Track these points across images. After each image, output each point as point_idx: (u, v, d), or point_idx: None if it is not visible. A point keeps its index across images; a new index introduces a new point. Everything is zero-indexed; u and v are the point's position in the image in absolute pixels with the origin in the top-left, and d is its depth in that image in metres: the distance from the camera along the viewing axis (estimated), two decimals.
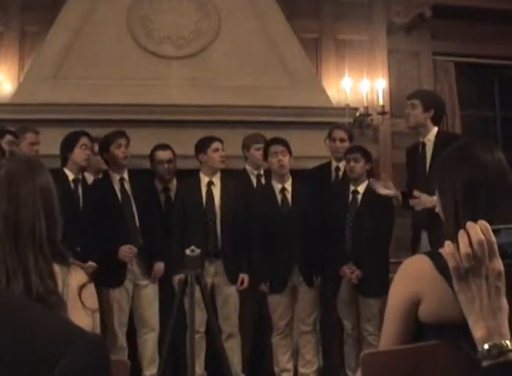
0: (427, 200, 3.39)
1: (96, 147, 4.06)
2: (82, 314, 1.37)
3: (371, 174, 4.02)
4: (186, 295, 2.91)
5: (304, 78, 5.14)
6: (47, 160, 2.15)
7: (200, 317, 3.51)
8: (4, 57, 5.22)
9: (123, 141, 3.98)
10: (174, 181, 4.35)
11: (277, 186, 4.03)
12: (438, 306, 1.34)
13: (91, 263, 3.59)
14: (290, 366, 4.00)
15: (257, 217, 3.99)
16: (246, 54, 5.11)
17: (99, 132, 4.13)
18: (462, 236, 0.96)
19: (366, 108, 5.37)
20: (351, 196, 3.98)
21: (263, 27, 5.19)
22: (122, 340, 3.85)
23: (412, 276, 1.41)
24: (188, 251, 2.81)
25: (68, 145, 3.85)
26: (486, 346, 0.94)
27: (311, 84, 5.18)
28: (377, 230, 3.85)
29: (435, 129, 3.72)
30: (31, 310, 0.68)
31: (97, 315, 1.45)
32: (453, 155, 1.48)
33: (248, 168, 4.40)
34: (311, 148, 4.66)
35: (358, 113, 5.34)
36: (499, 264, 0.96)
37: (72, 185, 3.83)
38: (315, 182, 4.25)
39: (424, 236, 3.61)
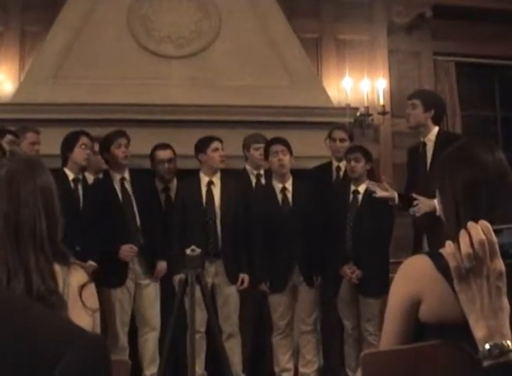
0: (427, 205, 3.38)
1: (96, 147, 4.06)
2: (83, 314, 1.37)
3: (372, 174, 4.02)
4: (187, 295, 2.91)
5: (305, 78, 5.14)
6: (47, 160, 2.15)
7: (201, 317, 3.51)
8: (4, 57, 5.22)
9: (123, 141, 3.98)
10: (175, 181, 4.35)
11: (278, 186, 4.03)
12: (438, 306, 1.34)
13: (91, 263, 3.59)
14: (290, 366, 4.00)
15: (257, 217, 3.99)
16: (246, 54, 5.11)
17: (99, 132, 4.13)
18: (463, 236, 0.96)
19: (367, 108, 5.37)
20: (351, 196, 3.98)
21: (263, 27, 5.19)
22: (124, 340, 3.85)
23: (413, 276, 1.41)
24: (188, 251, 2.81)
25: (68, 145, 3.85)
26: (487, 346, 0.94)
27: (311, 84, 5.18)
28: (378, 230, 3.85)
29: (436, 129, 3.72)
30: (32, 310, 0.68)
31: (97, 315, 1.45)
32: (454, 155, 1.48)
33: (248, 167, 4.40)
34: (311, 148, 4.66)
35: (358, 113, 5.34)
36: (500, 264, 0.96)
37: (72, 184, 3.83)
38: (316, 181, 4.25)
39: (425, 238, 3.61)
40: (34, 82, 4.83)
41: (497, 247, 0.96)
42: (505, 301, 0.96)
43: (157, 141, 4.38)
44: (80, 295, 1.38)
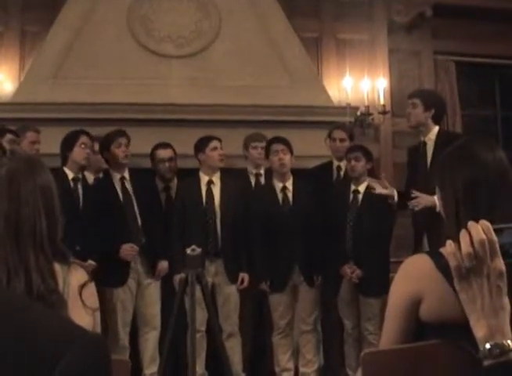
0: (427, 200, 3.39)
1: (96, 146, 4.06)
2: (83, 313, 1.37)
3: (372, 173, 4.02)
4: (187, 294, 2.91)
5: (305, 77, 5.14)
6: (48, 159, 2.15)
7: (201, 316, 3.51)
8: (4, 57, 5.23)
9: (123, 140, 3.98)
10: (175, 180, 4.35)
11: (278, 185, 4.03)
12: (438, 305, 1.34)
13: (90, 262, 3.59)
14: (290, 365, 4.00)
15: (257, 216, 3.99)
16: (246, 54, 5.10)
17: (99, 131, 4.13)
18: (463, 236, 0.96)
19: (367, 107, 5.37)
20: (351, 195, 3.98)
21: (263, 27, 5.19)
22: (125, 340, 3.85)
23: (413, 276, 1.41)
24: (189, 251, 2.81)
25: (68, 144, 3.85)
26: (488, 345, 0.94)
27: (311, 83, 5.17)
28: (378, 230, 3.85)
29: (436, 128, 3.72)
30: (32, 309, 0.68)
31: (98, 314, 1.45)
32: (454, 154, 1.48)
33: (248, 167, 4.40)
34: (312, 147, 4.65)
35: (359, 113, 5.34)
36: (500, 263, 0.96)
37: (72, 184, 3.82)
38: (317, 181, 4.25)
39: (426, 237, 3.61)
40: (34, 82, 4.83)
41: (497, 246, 0.96)
42: (505, 300, 0.96)
43: (157, 140, 4.38)
44: (80, 295, 1.38)
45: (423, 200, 3.43)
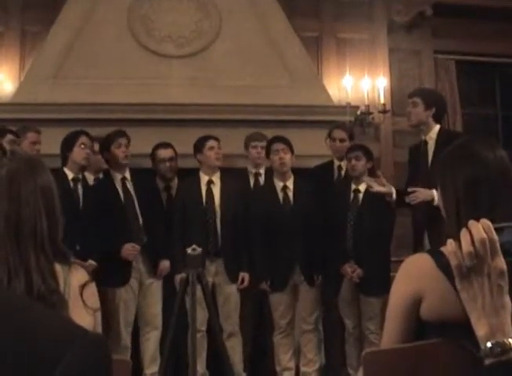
0: (425, 194, 3.39)
1: (96, 146, 4.06)
2: (83, 313, 1.37)
3: (372, 172, 4.01)
4: (188, 294, 2.91)
5: (305, 77, 5.14)
6: (48, 160, 2.15)
7: (202, 316, 3.51)
8: (5, 57, 5.23)
9: (123, 141, 3.98)
10: (176, 179, 4.35)
11: (279, 184, 4.03)
12: (439, 304, 1.34)
13: (90, 262, 3.59)
14: (291, 364, 4.00)
15: (258, 215, 3.99)
16: (246, 53, 5.10)
17: (99, 132, 4.13)
18: (464, 235, 0.96)
19: (367, 106, 5.37)
20: (352, 194, 3.98)
21: (264, 27, 5.18)
22: (127, 340, 3.85)
23: (414, 275, 1.41)
24: (189, 250, 2.81)
25: (67, 144, 3.85)
26: (489, 344, 0.94)
27: (312, 82, 5.17)
28: (378, 229, 3.84)
29: (437, 127, 3.72)
30: (32, 309, 0.68)
31: (98, 314, 1.45)
32: (454, 153, 1.48)
33: (248, 166, 4.40)
34: (312, 146, 4.65)
35: (359, 112, 5.34)
36: (501, 262, 0.95)
37: (72, 184, 3.83)
38: (318, 180, 4.25)
39: (426, 236, 3.60)
40: (35, 82, 4.83)
41: (498, 245, 0.96)
42: (506, 299, 0.96)
43: (158, 140, 4.38)
44: (81, 295, 1.38)
45: (421, 194, 3.43)
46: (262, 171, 4.35)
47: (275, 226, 3.92)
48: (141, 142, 4.27)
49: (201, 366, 3.81)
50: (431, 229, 3.48)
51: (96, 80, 4.80)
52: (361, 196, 3.95)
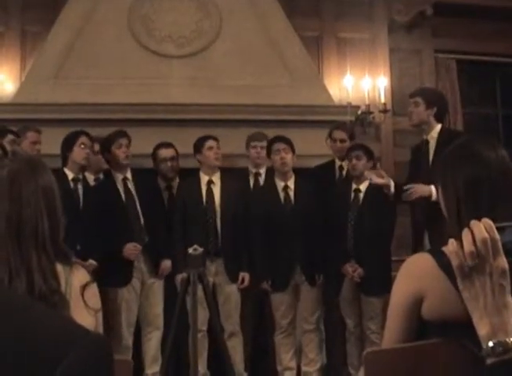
0: (423, 189, 3.38)
1: (97, 147, 4.06)
2: (85, 314, 1.37)
3: None
4: (189, 294, 2.91)
5: (306, 77, 5.14)
6: (49, 160, 2.15)
7: (203, 316, 3.51)
8: (5, 57, 5.23)
9: (124, 141, 3.99)
10: (177, 179, 4.35)
11: (280, 184, 4.03)
12: (440, 304, 1.34)
13: (91, 261, 3.59)
14: (292, 364, 4.00)
15: (258, 215, 3.99)
16: (247, 53, 5.10)
17: (100, 132, 4.13)
18: (466, 235, 0.96)
19: (368, 106, 5.37)
20: (353, 194, 3.98)
21: (264, 27, 5.18)
22: (128, 340, 3.84)
23: (415, 274, 1.41)
24: (190, 250, 2.81)
25: (67, 144, 3.85)
26: (490, 344, 0.94)
27: (312, 82, 5.17)
28: (379, 229, 3.84)
29: (438, 126, 3.72)
30: (33, 309, 0.68)
31: (100, 314, 1.45)
32: (455, 152, 1.48)
33: (249, 166, 4.40)
34: (313, 146, 4.65)
35: (359, 112, 5.34)
36: (503, 262, 0.95)
37: (72, 184, 3.83)
38: (319, 180, 4.24)
39: (426, 236, 3.60)
40: (35, 82, 4.83)
41: (500, 244, 0.96)
42: (508, 298, 0.96)
43: (159, 140, 4.38)
44: (82, 295, 1.38)
45: (418, 189, 3.42)
46: (262, 171, 4.34)
47: (275, 226, 3.92)
48: (142, 143, 4.27)
49: (202, 366, 3.81)
50: (431, 229, 3.47)
51: (97, 80, 4.81)
52: (361, 196, 3.95)
